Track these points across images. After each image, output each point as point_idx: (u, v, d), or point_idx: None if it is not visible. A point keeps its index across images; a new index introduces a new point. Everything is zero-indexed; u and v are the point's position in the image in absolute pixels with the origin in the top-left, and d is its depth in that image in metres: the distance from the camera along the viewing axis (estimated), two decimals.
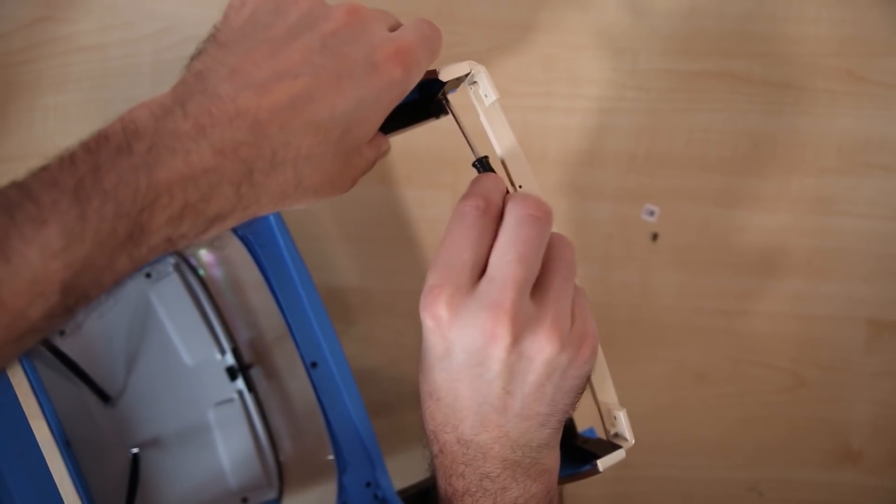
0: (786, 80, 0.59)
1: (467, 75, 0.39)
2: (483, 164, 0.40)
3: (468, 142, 0.41)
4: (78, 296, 0.28)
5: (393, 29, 0.36)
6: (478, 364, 0.35)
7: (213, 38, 0.33)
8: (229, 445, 0.50)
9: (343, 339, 0.52)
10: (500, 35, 0.58)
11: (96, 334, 0.49)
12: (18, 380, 0.41)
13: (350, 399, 0.48)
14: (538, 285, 0.36)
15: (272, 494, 0.51)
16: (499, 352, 0.35)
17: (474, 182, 0.38)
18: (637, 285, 0.60)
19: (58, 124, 0.56)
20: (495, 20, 0.58)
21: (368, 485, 0.48)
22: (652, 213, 0.60)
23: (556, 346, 0.35)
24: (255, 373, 0.51)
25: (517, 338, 0.35)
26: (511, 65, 0.58)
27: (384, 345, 0.59)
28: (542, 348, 0.35)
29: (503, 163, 0.41)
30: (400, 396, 0.59)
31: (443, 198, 0.59)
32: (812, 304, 0.61)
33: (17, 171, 0.59)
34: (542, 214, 0.36)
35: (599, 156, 0.59)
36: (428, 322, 0.36)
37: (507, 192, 0.38)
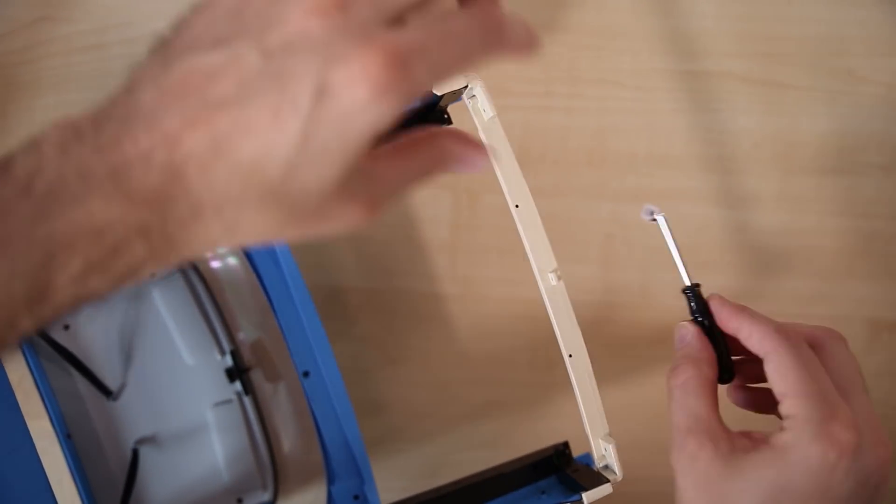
0: (786, 80, 0.59)
1: (464, 88, 0.38)
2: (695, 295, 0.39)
3: None
4: None
5: (401, 11, 0.26)
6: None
7: (164, 41, 0.27)
8: (226, 446, 0.50)
9: (343, 339, 0.52)
10: None
11: (98, 329, 0.49)
12: (21, 372, 0.41)
13: (341, 411, 0.48)
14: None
15: (267, 496, 0.51)
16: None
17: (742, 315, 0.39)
18: (637, 285, 0.60)
19: None
20: None
21: (357, 497, 0.48)
22: (652, 213, 0.60)
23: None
24: (256, 375, 0.51)
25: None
26: (511, 64, 0.58)
27: (384, 345, 0.59)
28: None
29: (499, 178, 0.41)
30: (397, 396, 0.59)
31: (443, 198, 0.59)
32: (811, 304, 0.61)
33: None
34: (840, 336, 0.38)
35: (599, 156, 0.59)
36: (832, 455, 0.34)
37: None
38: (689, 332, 0.38)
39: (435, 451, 0.59)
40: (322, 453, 0.49)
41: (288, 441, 0.51)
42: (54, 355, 0.47)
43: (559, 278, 0.41)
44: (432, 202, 0.59)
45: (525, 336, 0.59)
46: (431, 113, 0.41)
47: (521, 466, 0.48)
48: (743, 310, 0.38)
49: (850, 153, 0.60)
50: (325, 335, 0.48)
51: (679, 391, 0.36)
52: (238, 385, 0.50)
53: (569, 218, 0.59)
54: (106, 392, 0.48)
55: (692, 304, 0.38)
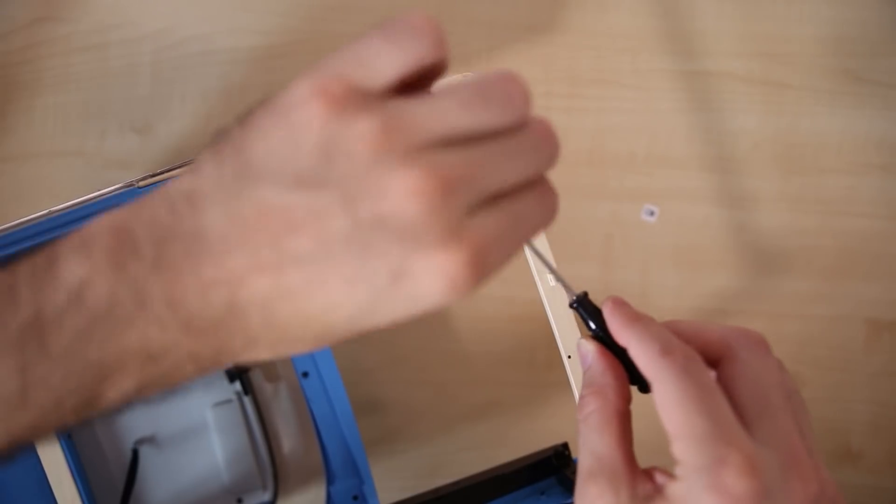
0: (786, 80, 0.59)
1: None
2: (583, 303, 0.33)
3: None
4: (16, 447, 0.26)
5: (497, 195, 0.25)
6: None
7: (237, 145, 0.25)
8: (226, 446, 0.50)
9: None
10: (500, 35, 0.58)
11: None
12: None
13: (339, 412, 0.48)
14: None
15: (266, 496, 0.51)
16: None
17: (639, 326, 0.31)
18: (637, 285, 0.60)
19: (57, 124, 0.56)
20: (495, 20, 0.58)
21: (356, 497, 0.48)
22: (652, 213, 0.60)
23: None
24: (255, 375, 0.51)
25: None
26: (511, 65, 0.58)
27: (383, 345, 0.59)
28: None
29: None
30: (397, 397, 0.59)
31: None
32: (811, 304, 0.61)
33: (17, 171, 0.60)
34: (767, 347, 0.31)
35: (599, 156, 0.59)
36: None
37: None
38: (588, 353, 0.32)
39: (434, 451, 0.59)
40: (321, 454, 0.49)
41: (288, 441, 0.51)
42: None
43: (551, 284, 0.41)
44: None
45: (524, 337, 0.59)
46: None
47: (521, 467, 0.48)
48: (634, 321, 0.31)
49: (850, 153, 0.60)
50: None
51: (582, 427, 0.31)
52: (238, 385, 0.50)
53: (568, 218, 0.59)
54: None
55: (584, 317, 0.33)
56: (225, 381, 0.51)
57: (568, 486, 0.43)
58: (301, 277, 0.24)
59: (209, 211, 0.24)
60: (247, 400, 0.50)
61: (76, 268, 0.24)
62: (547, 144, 0.28)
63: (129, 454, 0.49)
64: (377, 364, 0.59)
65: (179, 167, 0.40)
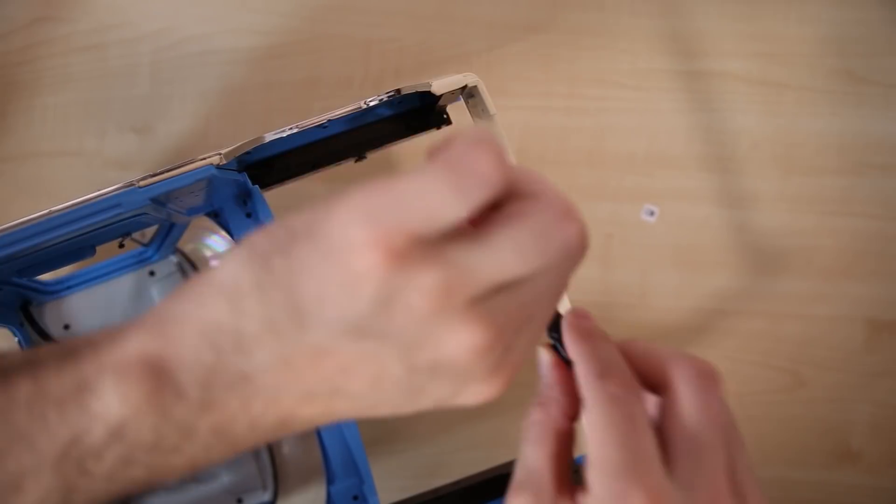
0: (786, 80, 0.59)
1: (463, 88, 0.38)
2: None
3: None
4: None
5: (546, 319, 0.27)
6: None
7: (281, 280, 0.24)
8: None
9: None
10: (500, 35, 0.58)
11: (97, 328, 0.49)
12: None
13: None
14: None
15: (266, 496, 0.51)
16: None
17: (578, 339, 0.30)
18: (637, 285, 0.60)
19: (57, 124, 0.56)
20: (495, 20, 0.58)
21: (356, 497, 0.48)
22: (652, 213, 0.60)
23: None
24: None
25: None
26: (510, 65, 0.58)
27: None
28: None
29: None
30: None
31: None
32: (811, 304, 0.61)
33: (16, 170, 0.59)
34: (718, 380, 0.29)
35: (599, 156, 0.59)
36: None
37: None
38: (543, 363, 0.32)
39: (434, 451, 0.59)
40: (321, 453, 0.49)
41: (287, 441, 0.51)
42: None
43: None
44: None
45: None
46: (432, 114, 0.41)
47: None
48: (585, 338, 0.30)
49: (849, 153, 0.60)
50: None
51: (522, 436, 0.31)
52: None
53: None
54: None
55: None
56: None
57: None
58: (348, 406, 0.25)
59: (258, 354, 0.24)
60: None
61: (114, 406, 0.24)
62: (579, 256, 0.27)
63: None
64: None
65: (180, 167, 0.40)
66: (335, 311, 0.23)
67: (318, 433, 0.48)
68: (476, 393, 0.26)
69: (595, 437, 0.28)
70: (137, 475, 0.25)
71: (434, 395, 0.25)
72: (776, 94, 0.59)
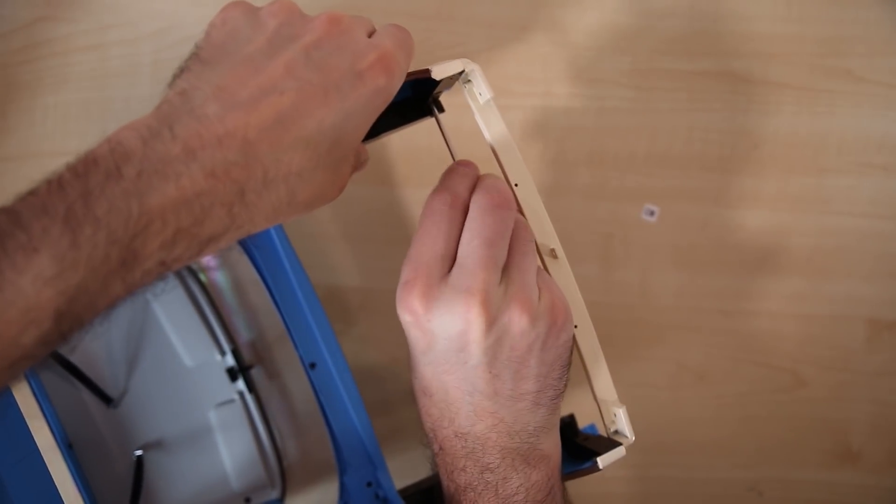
0: (786, 80, 0.59)
1: (461, 73, 0.39)
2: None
3: (448, 146, 0.41)
4: (72, 322, 0.28)
5: (370, 34, 0.36)
6: (460, 351, 0.36)
7: (195, 56, 0.33)
8: (231, 446, 0.50)
9: (343, 339, 0.52)
10: (500, 35, 0.58)
11: (95, 337, 0.49)
12: (19, 383, 0.41)
13: (350, 399, 0.48)
14: (504, 267, 0.37)
15: (275, 494, 0.51)
16: (476, 334, 0.35)
17: (443, 177, 0.39)
18: (637, 285, 0.60)
19: (57, 124, 0.56)
20: (495, 20, 0.58)
21: (369, 484, 0.48)
22: (652, 213, 0.60)
23: (529, 317, 0.36)
24: (257, 373, 0.51)
25: (492, 318, 0.35)
26: (510, 64, 0.58)
27: (384, 345, 0.59)
28: (515, 322, 0.36)
29: (498, 159, 0.41)
30: (400, 396, 0.59)
31: None
32: (812, 304, 0.61)
33: (17, 170, 0.59)
34: (503, 202, 0.37)
35: (599, 156, 0.59)
36: (406, 317, 0.37)
37: (476, 182, 0.39)
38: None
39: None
40: (332, 445, 0.49)
41: (294, 438, 0.51)
42: (53, 364, 0.47)
43: (559, 255, 0.41)
44: None
45: None
46: (425, 102, 0.41)
47: None
48: (452, 168, 0.40)
49: (850, 153, 0.60)
50: (329, 325, 0.48)
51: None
52: (240, 384, 0.50)
53: (568, 218, 0.59)
54: (106, 400, 0.48)
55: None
56: (227, 381, 0.51)
57: (579, 453, 0.43)
58: (287, 101, 0.31)
59: (197, 93, 0.31)
60: (249, 398, 0.50)
61: (111, 157, 0.28)
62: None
63: (133, 461, 0.48)
64: (382, 364, 0.59)
65: None
66: (257, 45, 0.33)
67: (329, 424, 0.48)
68: (372, 64, 0.33)
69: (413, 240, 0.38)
70: (134, 211, 0.28)
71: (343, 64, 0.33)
72: (777, 94, 0.59)
